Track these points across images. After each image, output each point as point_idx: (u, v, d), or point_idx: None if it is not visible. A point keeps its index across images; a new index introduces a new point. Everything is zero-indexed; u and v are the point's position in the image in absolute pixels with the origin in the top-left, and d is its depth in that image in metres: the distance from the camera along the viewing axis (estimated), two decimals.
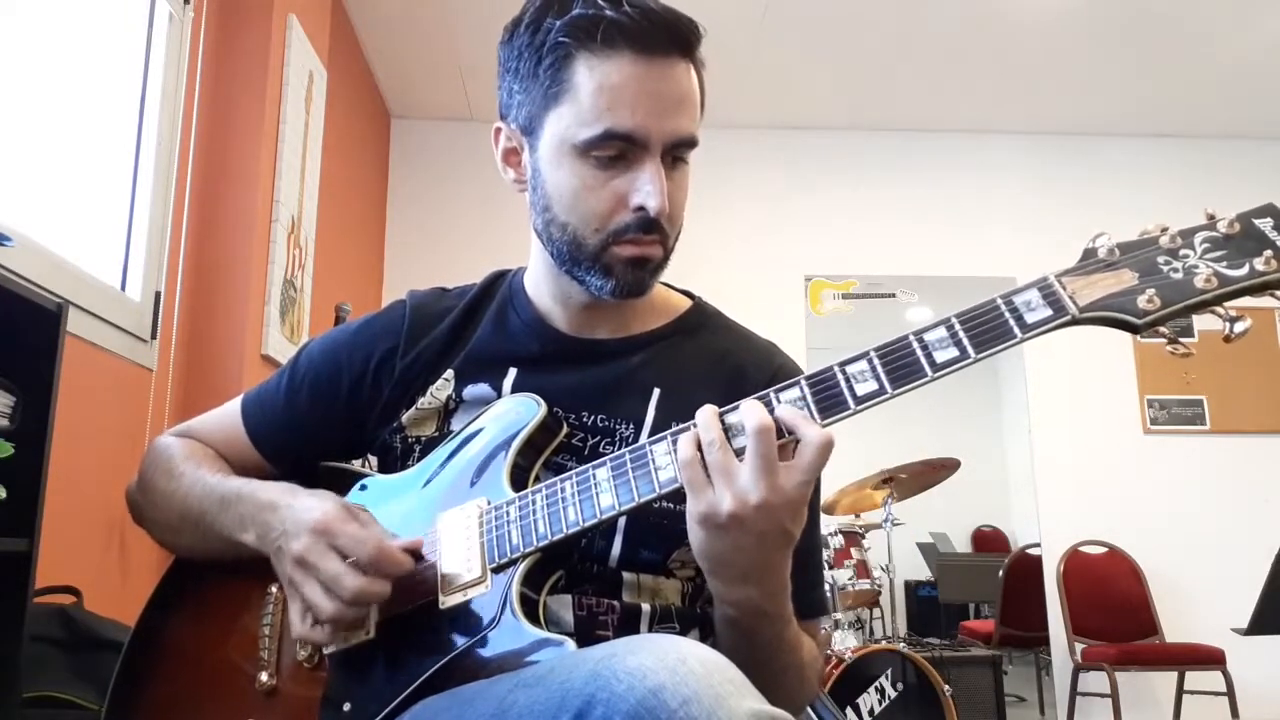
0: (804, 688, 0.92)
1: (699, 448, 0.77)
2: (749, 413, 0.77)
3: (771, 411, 0.78)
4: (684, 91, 0.89)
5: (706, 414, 0.79)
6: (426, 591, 0.86)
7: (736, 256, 4.35)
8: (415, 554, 0.88)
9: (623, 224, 0.89)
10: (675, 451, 0.79)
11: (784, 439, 0.77)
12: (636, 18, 0.86)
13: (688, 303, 1.07)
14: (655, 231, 0.90)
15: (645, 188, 0.87)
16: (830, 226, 4.56)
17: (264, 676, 0.91)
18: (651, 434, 0.93)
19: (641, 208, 0.88)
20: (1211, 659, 3.67)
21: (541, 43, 0.89)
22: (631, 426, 0.95)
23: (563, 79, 0.88)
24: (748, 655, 0.82)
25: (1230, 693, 3.62)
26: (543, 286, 1.01)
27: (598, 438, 0.94)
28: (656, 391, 0.96)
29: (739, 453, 0.77)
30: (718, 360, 1.01)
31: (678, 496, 0.82)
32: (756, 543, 0.76)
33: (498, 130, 0.98)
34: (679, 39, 0.88)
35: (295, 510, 0.88)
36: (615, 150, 0.87)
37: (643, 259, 0.91)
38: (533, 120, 0.92)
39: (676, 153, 0.90)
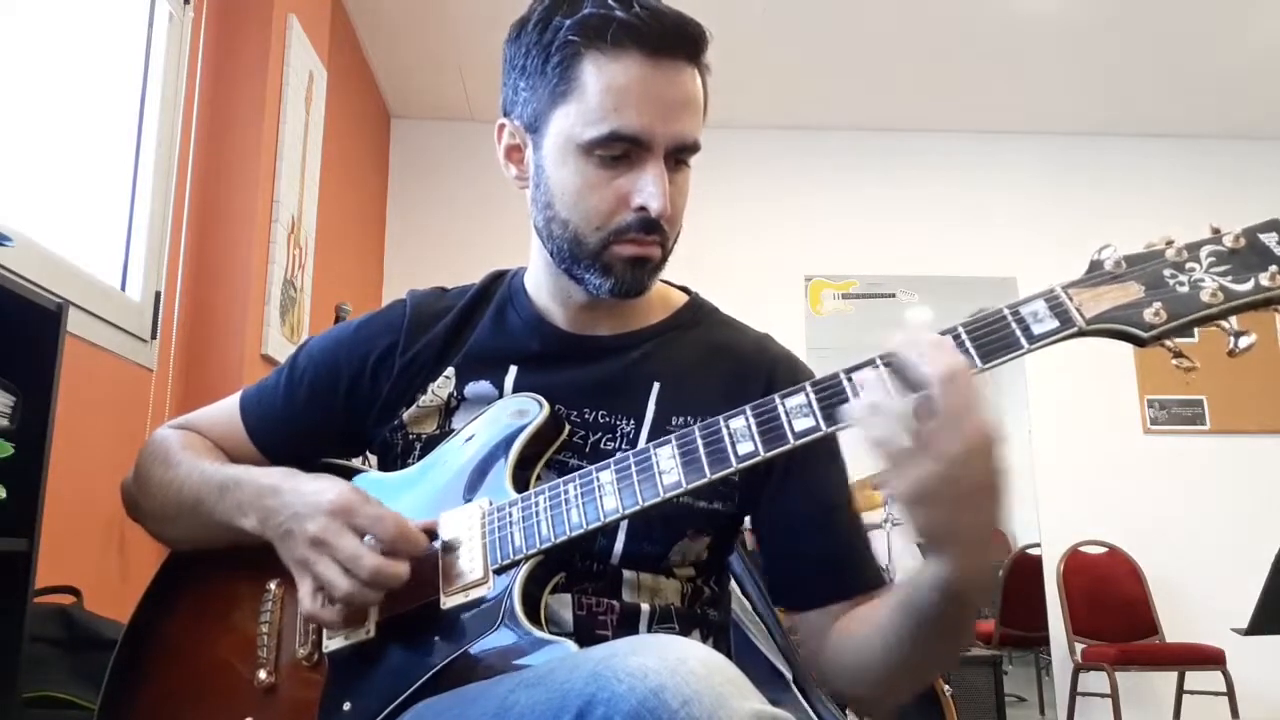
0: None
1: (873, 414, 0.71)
2: (935, 360, 0.70)
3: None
4: (689, 95, 0.90)
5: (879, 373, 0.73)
6: (428, 591, 0.86)
7: (737, 256, 4.34)
8: (430, 535, 0.88)
9: (624, 223, 0.89)
10: (867, 430, 0.72)
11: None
12: (647, 19, 0.86)
13: (684, 298, 1.07)
14: (655, 232, 0.90)
15: (648, 189, 0.88)
16: (830, 226, 4.56)
17: (262, 674, 0.91)
18: (652, 428, 0.94)
19: (643, 208, 0.88)
20: (1211, 659, 3.67)
21: (550, 41, 0.89)
22: (632, 422, 0.95)
23: (570, 78, 0.88)
24: (959, 624, 0.80)
25: (1230, 693, 3.62)
26: (542, 285, 1.01)
27: (599, 434, 0.95)
28: (656, 386, 0.96)
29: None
30: (716, 353, 1.01)
31: (679, 498, 0.82)
32: (973, 505, 0.70)
33: (501, 126, 0.98)
34: (687, 42, 0.89)
35: (303, 493, 0.88)
36: (620, 150, 0.88)
37: (642, 259, 0.91)
38: (538, 118, 0.92)
39: (679, 156, 0.91)
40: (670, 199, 0.89)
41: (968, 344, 0.76)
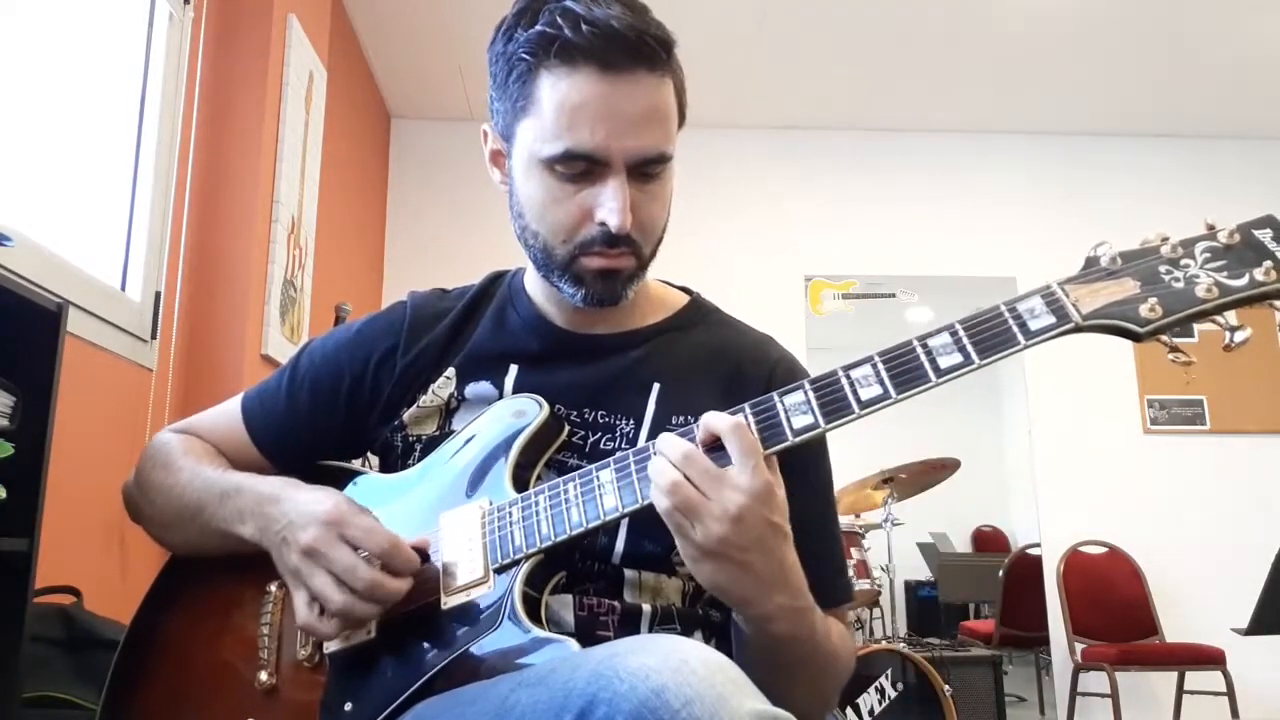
0: (840, 672, 0.92)
1: (669, 493, 0.76)
2: (668, 447, 0.78)
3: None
4: (649, 107, 0.88)
5: (658, 458, 0.79)
6: (428, 592, 0.86)
7: (736, 256, 4.35)
8: (422, 553, 0.88)
9: (589, 236, 0.90)
10: (656, 501, 0.78)
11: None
12: (593, 38, 0.84)
13: (685, 298, 1.07)
14: (623, 244, 0.90)
15: (608, 204, 0.87)
16: (830, 226, 4.56)
17: (263, 676, 0.91)
18: (652, 428, 0.94)
19: (604, 223, 0.88)
20: (1211, 659, 3.67)
21: (511, 54, 0.89)
22: (631, 422, 0.95)
23: (528, 93, 0.88)
24: (796, 656, 0.83)
25: (1230, 693, 3.62)
26: (540, 285, 1.01)
27: (599, 434, 0.95)
28: (656, 386, 0.97)
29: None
30: (716, 354, 1.01)
31: None
32: (758, 552, 0.76)
33: (485, 132, 0.99)
34: (643, 55, 0.87)
35: (299, 503, 0.89)
36: (579, 168, 0.88)
37: (611, 271, 0.91)
38: (507, 129, 0.93)
39: (645, 168, 0.89)
40: (640, 209, 0.89)
41: (965, 340, 0.77)
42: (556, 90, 0.86)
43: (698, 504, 0.75)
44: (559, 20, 0.85)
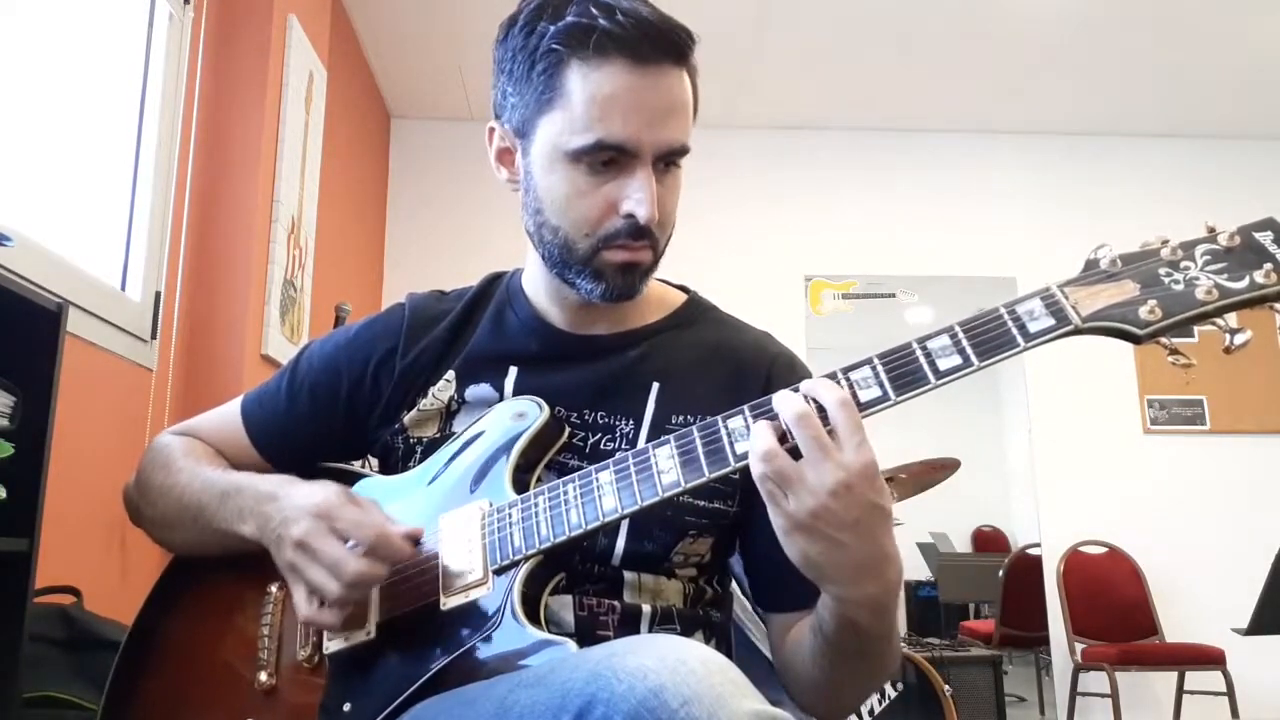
0: (889, 673, 0.92)
1: (763, 460, 0.74)
2: (783, 404, 0.75)
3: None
4: (676, 100, 0.89)
5: (759, 425, 0.76)
6: (428, 593, 0.86)
7: (736, 256, 4.34)
8: (415, 541, 0.88)
9: (613, 229, 0.90)
10: (751, 466, 0.75)
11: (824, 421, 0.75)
12: (629, 28, 0.85)
13: (683, 297, 1.08)
14: (645, 237, 0.90)
15: (636, 195, 0.88)
16: (830, 226, 4.56)
17: (263, 676, 0.92)
18: (651, 427, 0.94)
19: (631, 215, 0.88)
20: (1211, 659, 3.67)
21: (535, 47, 0.89)
22: (631, 422, 0.95)
23: (555, 85, 0.88)
24: (862, 650, 0.83)
25: (1230, 693, 3.62)
26: (540, 286, 1.01)
27: (599, 435, 0.95)
28: (655, 385, 0.97)
29: (793, 452, 0.74)
30: (715, 352, 1.01)
31: (679, 497, 0.82)
32: (855, 532, 0.73)
33: (491, 130, 0.98)
34: (672, 48, 0.88)
35: (294, 498, 0.89)
36: (606, 158, 0.88)
37: (633, 264, 0.91)
38: (525, 123, 0.92)
39: (668, 160, 0.91)
40: (660, 202, 0.89)
41: (964, 342, 0.77)
42: (588, 82, 0.86)
43: (791, 474, 0.73)
44: (593, 10, 0.86)
